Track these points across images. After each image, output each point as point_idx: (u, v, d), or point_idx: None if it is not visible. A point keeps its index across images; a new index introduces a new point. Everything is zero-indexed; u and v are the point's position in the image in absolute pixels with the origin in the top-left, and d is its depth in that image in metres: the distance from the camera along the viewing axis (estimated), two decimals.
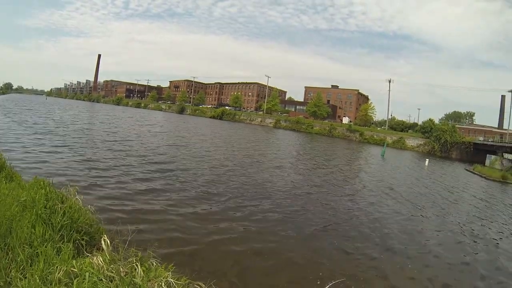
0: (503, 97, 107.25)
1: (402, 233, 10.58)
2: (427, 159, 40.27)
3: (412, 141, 70.33)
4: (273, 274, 6.57)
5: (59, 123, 31.81)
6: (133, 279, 3.68)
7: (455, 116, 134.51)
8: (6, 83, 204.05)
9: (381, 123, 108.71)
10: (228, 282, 5.81)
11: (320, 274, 6.74)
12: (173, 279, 3.88)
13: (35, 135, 21.28)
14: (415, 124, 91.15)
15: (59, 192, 6.10)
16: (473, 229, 12.23)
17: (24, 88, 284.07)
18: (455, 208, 16.18)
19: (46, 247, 4.23)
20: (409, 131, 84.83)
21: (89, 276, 3.48)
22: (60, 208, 5.33)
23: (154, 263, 4.30)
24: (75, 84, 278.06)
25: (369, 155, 42.69)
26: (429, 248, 9.45)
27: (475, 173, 35.72)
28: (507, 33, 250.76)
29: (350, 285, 6.35)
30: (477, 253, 9.66)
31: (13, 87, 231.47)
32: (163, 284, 3.69)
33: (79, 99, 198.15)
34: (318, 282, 6.26)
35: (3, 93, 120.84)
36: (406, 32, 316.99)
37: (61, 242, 4.65)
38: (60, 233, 4.86)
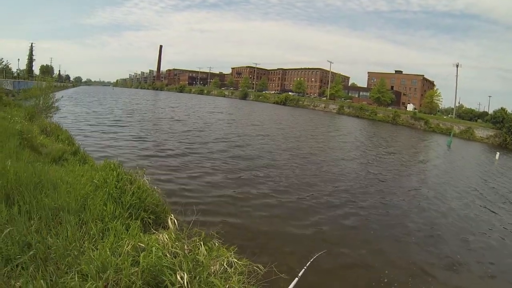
0: None
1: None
2: (498, 152, 37.00)
3: (481, 132, 64.91)
4: (340, 268, 6.55)
5: (128, 112, 33.76)
6: (196, 256, 3.82)
7: None
8: (76, 77, 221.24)
9: (448, 111, 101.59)
10: (287, 266, 5.69)
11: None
12: (235, 259, 3.98)
13: (105, 122, 22.79)
14: (485, 113, 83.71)
15: (129, 173, 6.47)
16: None
17: (93, 80, 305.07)
18: None
19: (116, 223, 4.53)
20: (478, 120, 78.23)
21: (155, 250, 3.64)
22: (130, 189, 5.69)
23: (217, 244, 4.41)
24: (139, 74, 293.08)
25: (435, 145, 40.23)
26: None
27: None
28: None
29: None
30: None
31: (82, 80, 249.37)
32: (225, 263, 3.78)
33: (143, 88, 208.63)
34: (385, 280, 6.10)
35: (74, 86, 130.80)
36: (474, 11, 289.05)
37: (130, 219, 4.98)
38: (129, 211, 5.21)
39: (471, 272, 7.28)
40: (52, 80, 23.39)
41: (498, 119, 62.35)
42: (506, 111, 65.98)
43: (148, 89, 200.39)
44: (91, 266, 3.25)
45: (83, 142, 13.42)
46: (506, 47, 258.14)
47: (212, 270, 3.64)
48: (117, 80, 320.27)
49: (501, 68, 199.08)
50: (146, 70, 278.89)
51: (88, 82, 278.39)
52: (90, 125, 20.68)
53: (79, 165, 7.47)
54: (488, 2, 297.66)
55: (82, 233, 4.14)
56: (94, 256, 3.45)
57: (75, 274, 3.15)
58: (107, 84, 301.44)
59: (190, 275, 3.31)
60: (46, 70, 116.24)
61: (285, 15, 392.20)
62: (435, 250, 8.00)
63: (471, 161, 30.07)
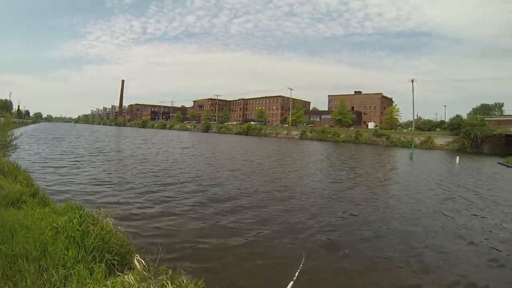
0: None
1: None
2: (458, 157, 39.02)
3: (440, 140, 68.29)
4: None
5: (88, 149, 32.83)
6: None
7: (483, 109, 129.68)
8: (36, 112, 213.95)
9: (408, 125, 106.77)
10: None
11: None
12: None
13: (65, 161, 22.01)
14: (443, 122, 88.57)
15: (91, 214, 6.26)
16: None
17: (53, 116, 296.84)
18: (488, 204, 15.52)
19: (79, 267, 4.36)
20: (437, 129, 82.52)
21: None
22: (92, 230, 5.47)
23: (185, 280, 4.33)
24: (101, 110, 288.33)
25: (397, 158, 41.90)
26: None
27: (509, 166, 34.18)
28: None
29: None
30: None
31: (42, 116, 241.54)
32: None
33: (105, 124, 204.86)
34: None
35: (34, 122, 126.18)
36: (425, 29, 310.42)
37: (94, 262, 4.76)
38: (92, 254, 4.98)
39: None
40: (11, 116, 22.34)
41: (455, 126, 66.20)
42: (462, 117, 70.17)
43: (110, 125, 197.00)
44: None
45: (43, 183, 12.93)
46: (456, 59, 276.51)
47: None
48: (78, 116, 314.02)
49: (452, 79, 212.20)
50: (108, 105, 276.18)
51: (49, 119, 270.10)
52: (50, 165, 19.86)
53: (39, 208, 7.12)
54: (437, 19, 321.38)
55: (42, 281, 3.97)
56: None
57: None
58: (69, 120, 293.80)
59: None
60: (5, 105, 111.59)
61: (244, 45, 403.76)
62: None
63: (433, 168, 31.43)
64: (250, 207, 12.39)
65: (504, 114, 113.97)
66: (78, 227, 5.48)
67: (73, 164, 20.72)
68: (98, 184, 15.03)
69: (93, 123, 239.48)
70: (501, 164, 36.62)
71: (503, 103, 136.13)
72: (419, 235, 10.14)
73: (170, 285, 3.98)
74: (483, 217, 12.79)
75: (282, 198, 14.36)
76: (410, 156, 41.57)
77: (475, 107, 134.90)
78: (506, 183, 22.63)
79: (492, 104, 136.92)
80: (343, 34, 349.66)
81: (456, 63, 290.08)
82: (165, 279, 4.15)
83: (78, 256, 4.75)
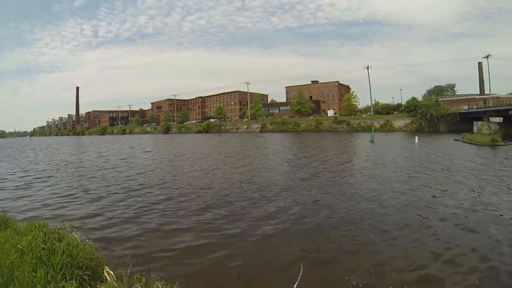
0: (480, 64, 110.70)
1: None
2: (416, 137, 40.95)
3: (399, 122, 71.23)
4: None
5: (47, 163, 31.38)
6: None
7: (437, 90, 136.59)
8: None
9: (366, 110, 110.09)
10: None
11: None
12: None
13: (21, 178, 20.92)
14: (400, 105, 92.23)
15: (55, 231, 6.08)
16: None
17: (7, 131, 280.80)
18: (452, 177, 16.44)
19: None
20: (395, 112, 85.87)
21: None
22: (59, 247, 5.30)
23: (160, 286, 4.31)
24: (57, 120, 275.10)
25: (358, 143, 43.22)
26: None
27: (465, 142, 36.50)
28: (474, 2, 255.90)
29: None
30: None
31: None
32: None
33: (63, 135, 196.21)
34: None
35: None
36: (376, 17, 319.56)
37: (64, 281, 4.64)
38: (61, 272, 4.83)
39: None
40: None
41: (411, 108, 69.24)
42: (417, 99, 73.16)
43: (68, 135, 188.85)
44: None
45: (1, 203, 12.27)
46: (408, 45, 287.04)
47: None
48: (34, 129, 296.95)
49: (406, 63, 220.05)
50: (65, 115, 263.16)
51: (2, 134, 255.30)
52: (7, 185, 18.83)
53: (0, 231, 6.80)
54: (387, 8, 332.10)
55: None
56: None
57: None
58: (24, 134, 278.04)
59: None
60: None
61: (198, 43, 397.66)
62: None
63: (394, 149, 32.74)
64: (219, 206, 12.32)
65: (456, 94, 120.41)
66: (43, 246, 5.30)
67: (32, 181, 19.72)
68: (60, 198, 14.37)
69: (50, 135, 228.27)
70: (457, 140, 39.10)
71: (454, 84, 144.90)
72: (388, 216, 10.56)
73: None
74: (445, 190, 13.63)
75: (250, 193, 14.42)
76: (371, 140, 43.04)
77: (429, 89, 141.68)
78: (462, 157, 24.04)
79: (445, 85, 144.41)
80: (296, 25, 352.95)
81: (408, 48, 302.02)
82: (139, 287, 4.09)
83: (47, 277, 4.60)
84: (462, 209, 10.91)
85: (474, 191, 13.51)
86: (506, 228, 8.90)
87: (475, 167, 19.43)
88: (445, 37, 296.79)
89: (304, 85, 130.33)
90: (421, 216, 10.27)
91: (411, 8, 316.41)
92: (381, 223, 9.71)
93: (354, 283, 6.01)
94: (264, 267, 7.02)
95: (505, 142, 32.07)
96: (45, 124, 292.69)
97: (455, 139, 40.06)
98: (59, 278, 4.66)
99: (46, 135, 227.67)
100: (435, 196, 12.72)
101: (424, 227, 9.23)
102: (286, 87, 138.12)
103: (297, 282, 4.78)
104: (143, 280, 4.35)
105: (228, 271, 6.85)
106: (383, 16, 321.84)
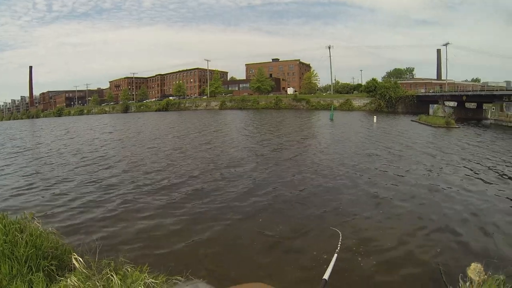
0: (438, 51, 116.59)
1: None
2: (375, 116, 42.62)
3: (358, 101, 73.30)
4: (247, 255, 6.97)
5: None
6: None
7: (396, 73, 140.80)
8: None
9: (326, 89, 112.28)
10: (205, 269, 6.07)
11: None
12: (151, 279, 3.98)
13: None
14: (359, 85, 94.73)
15: (16, 221, 5.83)
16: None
17: None
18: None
19: (16, 284, 4.15)
20: (355, 92, 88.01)
21: None
22: (21, 239, 5.11)
23: (129, 269, 4.37)
24: (9, 103, 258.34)
25: (318, 120, 44.41)
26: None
27: (421, 123, 38.87)
28: None
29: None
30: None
31: None
32: (142, 287, 3.77)
33: (16, 119, 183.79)
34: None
35: None
36: None
37: (31, 274, 4.55)
38: (27, 265, 4.72)
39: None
40: None
41: (371, 88, 71.21)
42: (377, 80, 75.18)
43: (22, 118, 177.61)
44: None
45: None
46: (370, 27, 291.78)
47: None
48: None
49: (367, 46, 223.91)
50: (18, 97, 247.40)
51: None
52: None
53: None
54: None
55: None
56: None
57: None
58: None
59: None
60: None
61: (159, 19, 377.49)
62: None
63: (353, 127, 34.10)
64: (184, 186, 12.47)
65: (415, 77, 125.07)
66: (4, 239, 5.08)
67: None
68: (18, 187, 13.72)
69: (1, 119, 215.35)
70: (414, 121, 41.59)
71: (414, 68, 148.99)
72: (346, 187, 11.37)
73: (115, 276, 4.00)
74: (398, 167, 14.93)
75: (215, 172, 14.66)
76: (331, 118, 44.42)
77: (389, 71, 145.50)
78: (418, 136, 25.45)
79: (404, 69, 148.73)
80: (260, 3, 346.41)
81: (370, 31, 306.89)
82: (109, 272, 4.15)
83: (12, 271, 4.49)
84: (415, 185, 12.08)
85: (427, 168, 14.70)
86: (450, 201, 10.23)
87: (430, 146, 20.79)
88: (407, 23, 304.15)
89: (265, 62, 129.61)
90: (375, 192, 11.17)
91: None
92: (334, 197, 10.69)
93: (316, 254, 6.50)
94: (231, 247, 7.27)
95: (458, 125, 34.47)
96: None
97: (411, 120, 42.30)
98: (25, 272, 4.56)
99: None
100: (386, 171, 14.07)
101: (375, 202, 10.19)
102: (246, 64, 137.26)
103: None
104: (112, 264, 4.38)
105: (195, 251, 7.03)
106: None
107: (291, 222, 8.61)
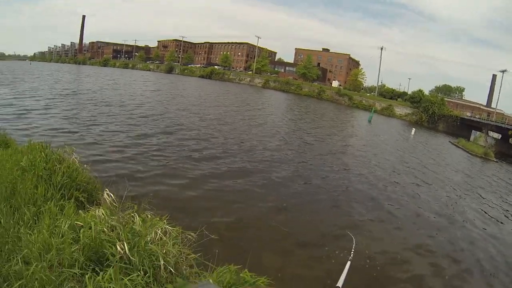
0: (494, 76, 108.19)
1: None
2: (414, 128, 41.25)
3: (400, 110, 70.92)
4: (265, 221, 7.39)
5: (49, 91, 31.05)
6: (133, 227, 4.08)
7: (445, 90, 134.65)
8: None
9: (371, 89, 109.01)
10: (216, 229, 6.32)
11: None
12: (169, 226, 4.29)
13: (24, 102, 20.93)
14: (405, 93, 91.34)
15: (56, 153, 6.32)
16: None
17: (6, 54, 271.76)
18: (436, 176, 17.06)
19: (49, 205, 4.50)
20: (398, 99, 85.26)
21: (94, 225, 3.80)
22: (59, 169, 5.61)
23: (149, 215, 4.67)
24: (59, 47, 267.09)
25: (357, 119, 43.64)
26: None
27: (458, 147, 36.87)
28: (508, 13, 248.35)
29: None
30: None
31: None
32: (160, 231, 4.08)
33: (64, 62, 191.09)
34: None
35: None
36: (403, 0, 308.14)
37: (63, 200, 4.98)
38: (61, 192, 5.18)
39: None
40: None
41: (416, 99, 68.62)
42: (423, 92, 72.58)
43: (69, 63, 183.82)
44: (33, 249, 3.33)
45: (3, 124, 12.44)
46: (426, 36, 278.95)
47: (149, 238, 3.91)
48: (34, 54, 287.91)
49: (420, 54, 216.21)
50: (67, 42, 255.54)
51: (1, 56, 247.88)
52: (12, 110, 18.66)
53: (2, 150, 6.91)
54: None
55: (15, 219, 4.09)
56: (33, 239, 3.50)
57: (17, 260, 3.16)
58: (23, 58, 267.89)
59: (129, 245, 3.58)
60: None
61: None
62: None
63: (390, 134, 33.39)
64: (214, 150, 13.01)
65: (463, 98, 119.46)
66: (44, 165, 5.59)
67: (35, 106, 19.67)
68: (63, 126, 14.64)
69: (50, 61, 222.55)
70: (451, 143, 39.60)
71: (464, 88, 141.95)
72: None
73: (137, 217, 4.32)
74: (427, 183, 14.68)
75: (247, 144, 15.21)
76: (369, 120, 43.36)
77: (438, 86, 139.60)
78: (452, 159, 24.64)
79: (454, 87, 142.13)
80: None
81: (427, 40, 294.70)
82: (132, 212, 4.49)
83: (47, 194, 4.92)
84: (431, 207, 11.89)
85: (449, 193, 14.30)
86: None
87: (461, 172, 20.08)
88: (468, 39, 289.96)
89: (315, 50, 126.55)
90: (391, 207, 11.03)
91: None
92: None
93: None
94: (251, 208, 7.61)
95: (496, 159, 32.00)
96: (46, 49, 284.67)
97: (450, 141, 40.52)
98: (58, 197, 5.00)
99: (46, 61, 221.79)
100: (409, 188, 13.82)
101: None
102: (296, 48, 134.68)
103: None
104: (135, 207, 4.71)
105: (214, 209, 7.41)
106: (410, 1, 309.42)
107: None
